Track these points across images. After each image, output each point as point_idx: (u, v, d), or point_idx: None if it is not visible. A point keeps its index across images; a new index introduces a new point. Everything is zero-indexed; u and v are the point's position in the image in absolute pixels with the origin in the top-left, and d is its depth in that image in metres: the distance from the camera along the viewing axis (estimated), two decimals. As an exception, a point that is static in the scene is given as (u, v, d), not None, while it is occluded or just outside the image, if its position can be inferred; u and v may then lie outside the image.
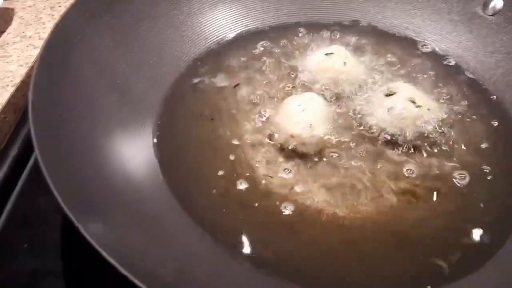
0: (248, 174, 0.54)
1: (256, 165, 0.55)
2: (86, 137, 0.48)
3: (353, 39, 0.71)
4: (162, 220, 0.47)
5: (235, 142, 0.58)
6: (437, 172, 0.56)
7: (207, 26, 0.70)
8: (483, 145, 0.59)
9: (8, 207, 0.56)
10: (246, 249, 0.48)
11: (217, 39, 0.70)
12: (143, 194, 0.49)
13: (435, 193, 0.54)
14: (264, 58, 0.68)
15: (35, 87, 0.44)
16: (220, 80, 0.64)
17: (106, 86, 0.54)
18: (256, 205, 0.51)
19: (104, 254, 0.34)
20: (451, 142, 0.59)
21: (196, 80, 0.64)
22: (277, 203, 0.52)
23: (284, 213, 0.51)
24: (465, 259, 0.48)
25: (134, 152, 0.53)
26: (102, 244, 0.35)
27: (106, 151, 0.50)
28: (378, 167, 0.55)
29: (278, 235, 0.49)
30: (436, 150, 0.58)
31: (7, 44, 0.77)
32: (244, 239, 0.48)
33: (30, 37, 0.79)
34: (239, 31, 0.72)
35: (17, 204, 0.56)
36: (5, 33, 0.79)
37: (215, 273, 0.44)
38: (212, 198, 0.52)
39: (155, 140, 0.56)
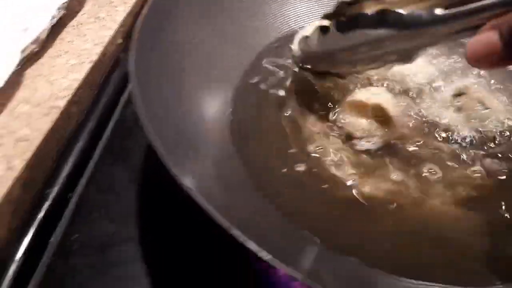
0: (314, 159, 0.56)
1: (324, 152, 0.57)
2: (174, 95, 0.52)
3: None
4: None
5: (306, 128, 0.59)
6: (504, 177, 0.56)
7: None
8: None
9: (86, 174, 0.59)
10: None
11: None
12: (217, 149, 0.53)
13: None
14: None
15: (138, 47, 0.48)
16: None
17: (194, 58, 0.58)
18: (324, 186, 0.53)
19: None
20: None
21: (275, 64, 0.67)
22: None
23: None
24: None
25: (215, 117, 0.57)
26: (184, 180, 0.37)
27: (191, 111, 0.54)
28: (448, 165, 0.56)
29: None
30: (501, 154, 0.58)
31: (82, 24, 0.81)
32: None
33: (103, 19, 0.82)
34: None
35: (95, 172, 0.59)
36: (79, 14, 0.83)
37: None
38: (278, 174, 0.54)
39: (231, 109, 0.60)
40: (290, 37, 0.66)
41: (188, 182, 0.37)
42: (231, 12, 0.67)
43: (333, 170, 0.55)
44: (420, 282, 0.44)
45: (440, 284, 0.44)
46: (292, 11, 0.73)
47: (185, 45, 0.58)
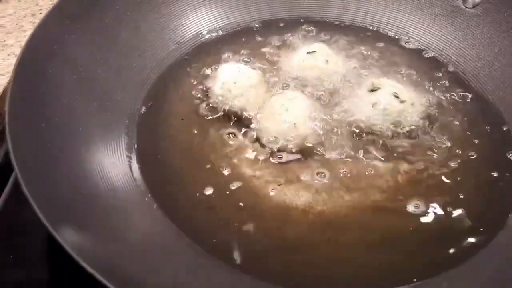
0: (232, 174, 0.54)
1: (239, 164, 0.55)
2: (65, 146, 0.48)
3: (335, 37, 0.71)
4: (140, 224, 0.47)
5: (218, 143, 0.57)
6: (423, 167, 0.56)
7: (188, 27, 0.69)
8: (468, 138, 0.59)
9: (-7, 218, 0.55)
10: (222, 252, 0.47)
11: (199, 39, 0.70)
12: (123, 201, 0.48)
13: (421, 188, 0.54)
14: (248, 57, 0.68)
15: (12, 97, 0.43)
16: (204, 81, 0.64)
17: (86, 94, 0.54)
18: (242, 204, 0.51)
19: (81, 262, 0.34)
20: (435, 137, 0.59)
21: (178, 83, 0.64)
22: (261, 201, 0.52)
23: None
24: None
25: (114, 160, 0.52)
26: (79, 252, 0.36)
27: (86, 160, 0.49)
28: (364, 163, 0.55)
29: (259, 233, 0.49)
30: (419, 145, 0.58)
31: (-12, 53, 0.76)
32: (219, 241, 0.48)
33: (11, 46, 0.78)
34: (220, 32, 0.72)
35: (1, 216, 0.56)
36: (-15, 42, 0.78)
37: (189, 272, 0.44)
38: (192, 200, 0.52)
39: (136, 146, 0.56)
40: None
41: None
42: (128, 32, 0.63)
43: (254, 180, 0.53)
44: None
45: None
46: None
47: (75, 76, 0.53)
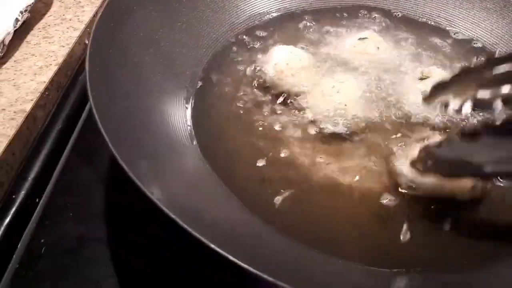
0: (279, 149, 0.56)
1: (288, 141, 0.57)
2: (132, 97, 0.51)
3: (385, 26, 0.73)
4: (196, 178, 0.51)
5: (269, 119, 0.59)
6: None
7: (243, 9, 0.72)
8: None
9: (54, 178, 0.59)
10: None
11: (253, 21, 0.72)
12: (179, 151, 0.52)
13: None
14: (300, 40, 0.70)
15: (91, 55, 0.47)
16: (256, 61, 0.66)
17: (151, 61, 0.57)
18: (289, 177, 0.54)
19: (149, 195, 0.37)
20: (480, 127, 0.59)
21: (231, 63, 0.66)
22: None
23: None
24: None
25: (173, 118, 0.56)
26: (142, 180, 0.38)
27: (151, 111, 0.53)
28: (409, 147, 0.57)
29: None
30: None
31: (49, 26, 0.80)
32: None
33: (70, 20, 0.82)
34: (274, 14, 0.74)
35: (62, 176, 0.59)
36: (46, 16, 0.82)
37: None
38: (242, 170, 0.54)
39: (191, 110, 0.59)
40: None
41: (154, 193, 0.37)
42: (191, 8, 0.66)
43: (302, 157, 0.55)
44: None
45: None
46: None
47: (144, 42, 0.57)
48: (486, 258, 0.47)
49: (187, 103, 0.59)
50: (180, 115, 0.57)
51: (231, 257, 0.33)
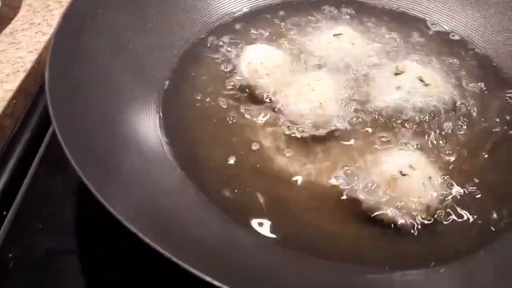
0: (251, 147, 0.55)
1: (261, 141, 0.56)
2: (100, 108, 0.49)
3: (361, 20, 0.71)
4: (167, 186, 0.49)
5: (242, 121, 0.58)
6: (448, 152, 0.56)
7: (215, 8, 0.70)
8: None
9: (23, 188, 0.57)
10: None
11: (226, 19, 0.71)
12: (151, 163, 0.50)
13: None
14: (273, 37, 0.68)
15: (51, 66, 0.45)
16: (230, 61, 0.64)
17: (119, 64, 0.55)
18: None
19: (116, 214, 0.36)
20: (457, 121, 0.59)
21: (204, 62, 0.65)
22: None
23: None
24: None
25: (143, 125, 0.54)
26: (108, 200, 0.37)
27: (119, 122, 0.51)
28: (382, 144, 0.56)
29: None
30: (444, 127, 0.58)
31: (16, 31, 0.77)
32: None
33: (38, 24, 0.79)
34: (247, 12, 0.72)
35: (31, 186, 0.57)
36: (14, 20, 0.79)
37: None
38: (211, 165, 0.53)
39: (161, 114, 0.57)
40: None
41: (122, 212, 0.36)
42: (161, 8, 0.64)
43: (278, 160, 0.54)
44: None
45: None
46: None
47: (112, 46, 0.55)
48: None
49: (157, 107, 0.57)
50: (151, 122, 0.55)
51: (200, 275, 0.32)
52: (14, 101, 0.65)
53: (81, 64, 0.49)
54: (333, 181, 0.52)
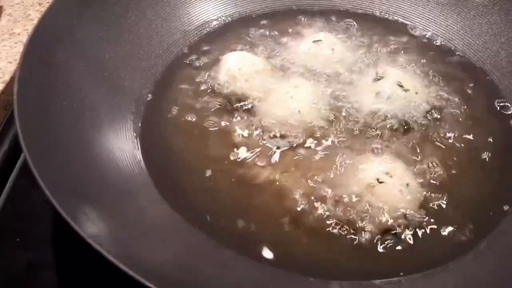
0: (229, 158, 0.55)
1: (239, 149, 0.55)
2: (73, 130, 0.48)
3: (340, 25, 0.71)
4: (144, 208, 0.48)
5: (221, 129, 0.58)
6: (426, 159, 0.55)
7: (195, 16, 0.70)
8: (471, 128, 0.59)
9: (0, 202, 0.56)
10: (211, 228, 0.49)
11: (205, 28, 0.70)
12: (127, 184, 0.49)
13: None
14: (253, 44, 0.68)
15: (20, 82, 0.44)
16: (208, 68, 0.64)
17: (94, 79, 0.55)
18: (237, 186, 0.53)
19: (93, 243, 0.35)
20: (437, 127, 0.58)
21: (183, 71, 0.64)
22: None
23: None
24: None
25: (120, 144, 0.53)
26: (90, 235, 0.36)
27: (93, 143, 0.50)
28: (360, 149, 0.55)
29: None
30: (423, 133, 0.57)
31: (-5, 41, 0.77)
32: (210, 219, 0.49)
33: (18, 34, 0.79)
34: (228, 20, 0.72)
35: (9, 199, 0.56)
36: (-7, 31, 0.79)
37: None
38: (191, 182, 0.53)
39: (141, 131, 0.56)
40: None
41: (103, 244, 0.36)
42: (139, 16, 0.64)
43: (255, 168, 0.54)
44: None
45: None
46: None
47: (87, 59, 0.55)
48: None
49: (134, 118, 0.57)
50: (128, 136, 0.55)
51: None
52: (-8, 112, 0.65)
53: (54, 78, 0.48)
54: (310, 189, 0.52)
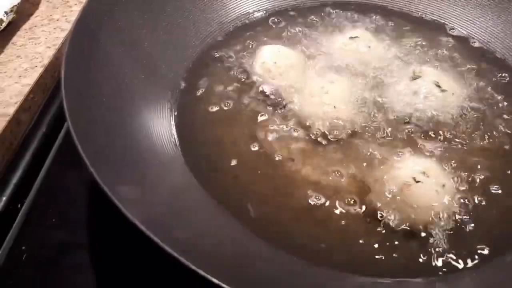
0: (264, 150, 0.55)
1: (272, 140, 0.56)
2: (113, 109, 0.49)
3: (378, 23, 0.71)
4: (178, 188, 0.50)
5: (253, 121, 0.58)
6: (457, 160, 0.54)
7: (231, 8, 0.70)
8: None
9: (37, 183, 0.58)
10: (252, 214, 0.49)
11: (241, 20, 0.71)
12: (163, 164, 0.51)
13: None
14: (288, 38, 0.68)
15: (67, 63, 0.45)
16: (244, 60, 0.64)
17: (133, 64, 0.55)
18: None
19: (129, 215, 0.36)
20: (473, 129, 0.57)
21: (218, 62, 0.65)
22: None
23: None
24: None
25: (156, 125, 0.54)
26: (127, 206, 0.37)
27: (132, 123, 0.51)
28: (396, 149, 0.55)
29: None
30: (459, 134, 0.57)
31: (35, 26, 0.78)
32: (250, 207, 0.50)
33: (57, 20, 0.80)
34: (263, 13, 0.72)
35: (45, 180, 0.58)
36: (33, 16, 0.80)
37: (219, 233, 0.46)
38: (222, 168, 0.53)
39: (175, 113, 0.58)
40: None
41: (136, 217, 0.37)
42: (177, 7, 0.64)
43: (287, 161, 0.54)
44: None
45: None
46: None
47: (127, 44, 0.56)
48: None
49: (171, 106, 0.58)
50: (165, 121, 0.55)
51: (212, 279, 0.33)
52: (31, 95, 0.66)
53: (96, 61, 0.49)
54: (342, 185, 0.51)
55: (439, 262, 0.46)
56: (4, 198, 0.55)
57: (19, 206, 0.55)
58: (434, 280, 0.44)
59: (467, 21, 0.71)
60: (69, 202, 0.56)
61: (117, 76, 0.52)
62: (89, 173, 0.39)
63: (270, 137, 0.56)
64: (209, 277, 0.33)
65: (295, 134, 0.56)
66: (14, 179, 0.57)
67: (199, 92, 0.61)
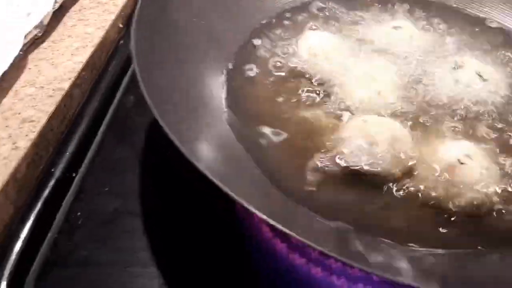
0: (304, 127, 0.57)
1: (318, 127, 0.57)
2: (176, 66, 0.55)
3: (419, 15, 0.72)
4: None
5: (299, 105, 0.60)
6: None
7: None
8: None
9: (90, 154, 0.61)
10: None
11: (290, 4, 0.74)
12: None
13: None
14: (334, 25, 0.70)
15: (137, 28, 0.50)
16: (291, 45, 0.66)
17: (197, 27, 0.61)
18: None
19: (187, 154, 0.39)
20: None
21: (267, 45, 0.67)
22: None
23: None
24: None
25: (211, 86, 0.59)
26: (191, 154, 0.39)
27: (193, 84, 0.56)
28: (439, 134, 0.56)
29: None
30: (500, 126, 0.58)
31: (85, 9, 0.81)
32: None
33: (105, 3, 0.83)
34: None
35: (98, 151, 0.61)
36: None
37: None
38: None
39: (227, 82, 0.62)
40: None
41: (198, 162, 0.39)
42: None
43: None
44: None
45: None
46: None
47: (185, 23, 0.59)
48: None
49: (224, 75, 0.61)
50: (217, 89, 0.59)
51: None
52: (83, 72, 0.69)
53: (163, 22, 0.56)
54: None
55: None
56: (60, 167, 0.58)
57: (73, 175, 0.58)
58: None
59: (508, 13, 0.72)
60: (120, 172, 0.59)
61: (181, 37, 0.58)
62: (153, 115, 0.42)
63: (313, 118, 0.58)
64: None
65: (342, 118, 0.57)
66: (69, 149, 0.60)
67: (248, 69, 0.63)
